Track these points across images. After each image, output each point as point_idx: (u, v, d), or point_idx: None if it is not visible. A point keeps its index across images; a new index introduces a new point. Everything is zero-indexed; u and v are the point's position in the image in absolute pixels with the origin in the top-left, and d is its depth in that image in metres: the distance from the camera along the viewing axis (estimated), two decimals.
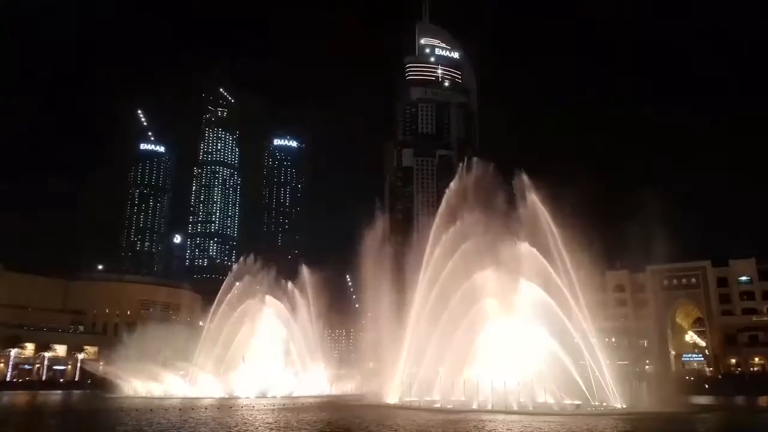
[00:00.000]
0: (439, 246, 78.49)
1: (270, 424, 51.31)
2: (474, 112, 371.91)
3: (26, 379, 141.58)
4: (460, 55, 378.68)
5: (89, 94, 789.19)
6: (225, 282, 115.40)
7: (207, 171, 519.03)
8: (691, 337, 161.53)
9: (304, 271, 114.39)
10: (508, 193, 76.63)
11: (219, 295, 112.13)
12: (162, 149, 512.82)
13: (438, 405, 70.88)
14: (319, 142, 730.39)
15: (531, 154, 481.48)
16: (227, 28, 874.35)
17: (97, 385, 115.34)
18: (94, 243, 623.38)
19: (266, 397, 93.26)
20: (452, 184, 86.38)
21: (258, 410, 65.94)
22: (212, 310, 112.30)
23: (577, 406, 66.20)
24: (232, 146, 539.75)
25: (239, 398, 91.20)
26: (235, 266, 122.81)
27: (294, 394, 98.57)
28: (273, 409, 67.33)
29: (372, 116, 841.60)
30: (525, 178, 75.52)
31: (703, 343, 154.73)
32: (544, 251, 71.56)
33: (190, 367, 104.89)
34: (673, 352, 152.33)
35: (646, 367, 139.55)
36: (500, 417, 56.32)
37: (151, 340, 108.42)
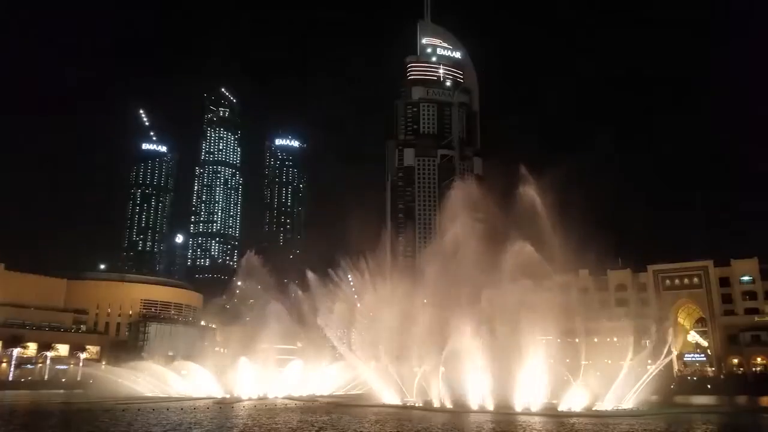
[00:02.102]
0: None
1: (268, 426, 51.24)
2: (475, 111, 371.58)
3: (29, 379, 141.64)
4: (461, 55, 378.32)
5: (91, 94, 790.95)
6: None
7: (209, 171, 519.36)
8: (693, 337, 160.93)
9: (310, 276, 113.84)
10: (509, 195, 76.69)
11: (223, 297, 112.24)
12: (164, 149, 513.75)
13: (438, 405, 70.89)
14: (320, 142, 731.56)
15: (533, 153, 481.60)
16: (229, 28, 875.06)
17: (98, 384, 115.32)
18: (96, 242, 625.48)
19: (267, 398, 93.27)
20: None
21: (258, 411, 65.86)
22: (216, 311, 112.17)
23: (580, 406, 66.09)
24: (233, 146, 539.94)
25: (241, 398, 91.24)
26: (236, 266, 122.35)
27: (294, 395, 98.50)
28: (273, 410, 67.23)
29: (373, 116, 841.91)
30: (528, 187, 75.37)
31: (705, 343, 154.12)
32: (547, 251, 71.50)
33: (192, 367, 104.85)
34: (675, 352, 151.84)
35: (648, 367, 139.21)
36: (501, 418, 56.18)
37: (153, 339, 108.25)
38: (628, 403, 68.26)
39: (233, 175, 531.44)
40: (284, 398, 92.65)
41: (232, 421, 53.21)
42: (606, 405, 66.68)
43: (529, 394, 66.16)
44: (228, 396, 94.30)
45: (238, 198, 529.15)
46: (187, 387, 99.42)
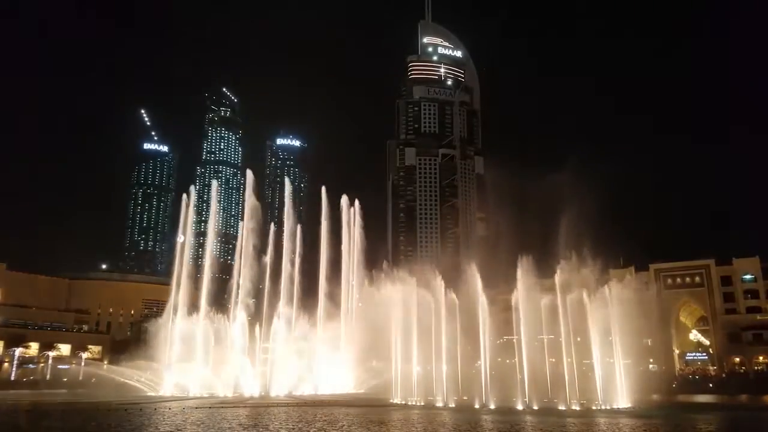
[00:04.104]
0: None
1: (267, 427, 51.16)
2: (477, 110, 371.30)
3: (30, 378, 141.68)
4: (462, 54, 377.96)
5: (93, 94, 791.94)
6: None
7: (210, 170, 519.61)
8: (695, 335, 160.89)
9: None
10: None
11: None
12: (165, 149, 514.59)
13: (440, 404, 71.04)
14: (321, 141, 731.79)
15: (534, 152, 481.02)
16: (230, 27, 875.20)
17: (101, 384, 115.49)
18: (97, 242, 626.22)
19: (269, 396, 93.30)
20: None
21: (258, 411, 65.84)
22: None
23: (582, 405, 66.10)
24: (234, 145, 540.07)
25: (243, 397, 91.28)
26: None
27: (294, 393, 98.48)
28: (271, 410, 67.24)
29: (375, 115, 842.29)
30: None
31: (707, 342, 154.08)
32: (548, 251, 71.61)
33: (194, 366, 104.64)
34: (677, 351, 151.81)
35: (650, 366, 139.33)
36: (502, 417, 56.17)
37: (154, 338, 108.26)
38: (626, 402, 68.28)
39: (234, 174, 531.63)
40: (285, 397, 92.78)
41: (231, 422, 53.10)
42: (604, 404, 66.69)
43: (530, 393, 66.39)
44: (230, 395, 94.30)
45: (239, 197, 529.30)
46: (192, 387, 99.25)
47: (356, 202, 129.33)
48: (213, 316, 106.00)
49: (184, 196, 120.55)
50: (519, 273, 71.01)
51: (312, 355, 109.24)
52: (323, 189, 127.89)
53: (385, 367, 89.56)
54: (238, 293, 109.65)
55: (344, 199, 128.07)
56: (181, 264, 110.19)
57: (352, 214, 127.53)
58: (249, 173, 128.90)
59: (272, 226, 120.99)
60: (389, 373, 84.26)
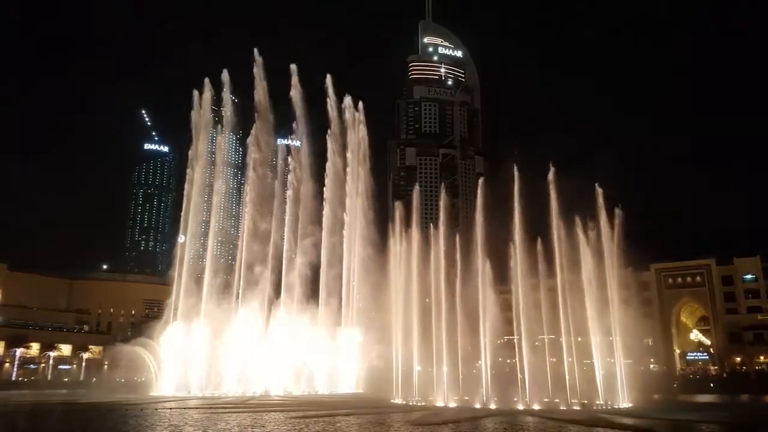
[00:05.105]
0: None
1: (264, 427, 51.07)
2: (477, 110, 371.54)
3: (31, 379, 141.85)
4: (463, 54, 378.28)
5: (93, 94, 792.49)
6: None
7: (211, 171, 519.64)
8: (695, 335, 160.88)
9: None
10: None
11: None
12: (166, 149, 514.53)
13: (440, 404, 71.03)
14: (322, 142, 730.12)
15: (533, 152, 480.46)
16: (229, 26, 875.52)
17: (102, 384, 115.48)
18: (98, 243, 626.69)
19: (269, 395, 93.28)
20: None
21: (256, 411, 65.80)
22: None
23: (582, 405, 66.10)
24: (236, 146, 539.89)
25: (245, 395, 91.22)
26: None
27: (293, 393, 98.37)
28: (272, 411, 67.20)
29: (375, 115, 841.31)
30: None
31: (708, 342, 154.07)
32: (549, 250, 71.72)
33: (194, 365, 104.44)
34: (677, 351, 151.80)
35: (651, 365, 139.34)
36: (504, 418, 56.16)
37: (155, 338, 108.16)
38: (627, 402, 68.35)
39: (235, 175, 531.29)
40: (283, 396, 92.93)
41: (230, 422, 53.10)
42: (605, 404, 66.73)
43: (531, 393, 66.43)
44: (230, 394, 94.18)
45: (239, 198, 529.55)
46: (193, 386, 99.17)
47: (360, 104, 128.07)
48: (214, 314, 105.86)
49: (195, 93, 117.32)
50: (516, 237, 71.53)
51: (312, 343, 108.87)
52: (328, 77, 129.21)
53: (386, 367, 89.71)
54: (242, 266, 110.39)
55: (347, 100, 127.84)
56: (181, 261, 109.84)
57: (357, 117, 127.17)
58: (258, 57, 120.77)
59: (281, 144, 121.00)
60: (389, 372, 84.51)
